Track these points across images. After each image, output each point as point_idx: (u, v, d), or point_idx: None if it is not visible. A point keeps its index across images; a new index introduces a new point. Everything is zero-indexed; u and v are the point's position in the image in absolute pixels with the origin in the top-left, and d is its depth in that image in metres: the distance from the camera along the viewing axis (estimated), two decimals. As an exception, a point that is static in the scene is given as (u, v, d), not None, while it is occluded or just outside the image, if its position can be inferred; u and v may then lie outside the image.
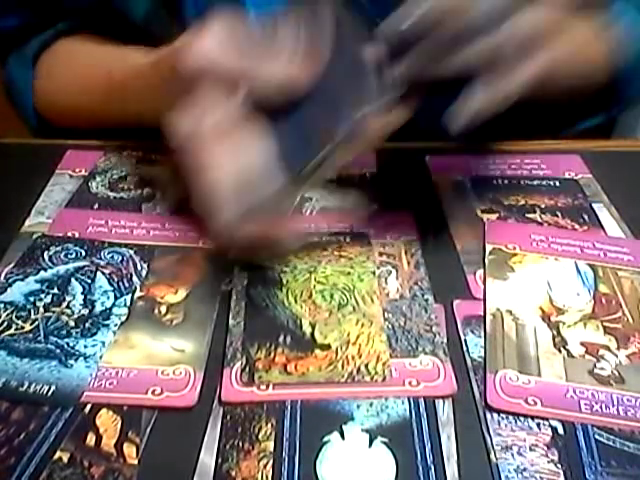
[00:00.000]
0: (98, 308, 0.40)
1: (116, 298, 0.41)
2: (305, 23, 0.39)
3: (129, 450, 0.32)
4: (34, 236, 0.45)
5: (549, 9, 0.39)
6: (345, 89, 0.39)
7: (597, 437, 0.33)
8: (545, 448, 0.33)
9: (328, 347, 0.37)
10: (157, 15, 0.45)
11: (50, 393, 0.35)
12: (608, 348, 0.38)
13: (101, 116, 0.55)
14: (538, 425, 0.34)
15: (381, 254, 0.44)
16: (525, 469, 0.32)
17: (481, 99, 0.38)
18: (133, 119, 0.51)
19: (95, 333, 0.38)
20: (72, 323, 0.39)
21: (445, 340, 0.38)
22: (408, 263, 0.43)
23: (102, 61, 0.54)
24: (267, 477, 0.31)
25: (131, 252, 0.44)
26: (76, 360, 0.36)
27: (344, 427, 0.33)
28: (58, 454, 0.32)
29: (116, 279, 0.42)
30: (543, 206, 0.49)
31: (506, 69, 0.38)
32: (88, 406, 0.34)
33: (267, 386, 0.35)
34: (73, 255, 0.44)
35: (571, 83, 0.51)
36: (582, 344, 0.38)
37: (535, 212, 0.48)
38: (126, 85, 0.49)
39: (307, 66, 0.39)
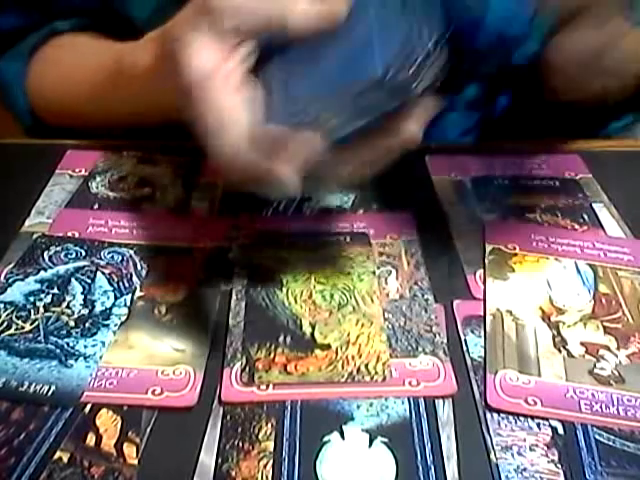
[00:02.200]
0: (98, 308, 0.40)
1: (116, 298, 0.41)
2: None
3: (129, 450, 0.32)
4: (34, 236, 0.45)
5: None
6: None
7: (597, 437, 0.33)
8: (545, 448, 0.33)
9: (328, 347, 0.37)
10: (165, 13, 0.44)
11: (50, 393, 0.35)
12: (608, 348, 0.38)
13: (95, 110, 0.54)
14: (538, 425, 0.34)
15: (381, 254, 0.44)
16: (525, 469, 0.32)
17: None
18: (126, 109, 0.50)
19: (95, 333, 0.38)
20: (72, 323, 0.39)
21: (445, 340, 0.38)
22: (408, 263, 0.43)
23: (95, 53, 0.53)
24: (267, 477, 0.31)
25: (131, 252, 0.44)
26: (76, 360, 0.36)
27: (344, 427, 0.33)
28: (58, 454, 0.32)
29: (116, 279, 0.42)
30: (543, 206, 0.49)
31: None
32: (88, 406, 0.34)
33: (267, 386, 0.35)
34: (73, 255, 0.44)
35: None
36: (582, 344, 0.38)
37: (535, 212, 0.48)
38: (118, 69, 0.48)
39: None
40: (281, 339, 0.38)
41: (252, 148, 0.33)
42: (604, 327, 0.39)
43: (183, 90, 0.35)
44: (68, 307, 0.40)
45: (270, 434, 0.33)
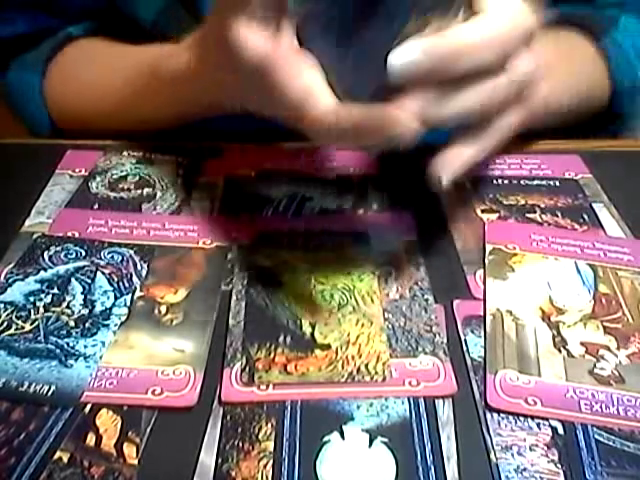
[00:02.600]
0: (98, 308, 0.40)
1: (116, 298, 0.41)
2: None
3: (129, 450, 0.32)
4: (34, 236, 0.45)
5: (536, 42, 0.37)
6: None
7: (597, 437, 0.33)
8: (545, 448, 0.33)
9: (328, 347, 0.37)
10: (171, 13, 0.44)
11: (50, 393, 0.35)
12: (608, 348, 0.38)
13: (127, 115, 0.54)
14: (538, 425, 0.34)
15: (381, 254, 0.44)
16: (525, 469, 0.32)
17: (466, 156, 0.37)
18: (164, 114, 0.50)
19: (95, 333, 0.38)
20: (72, 323, 0.39)
21: (445, 340, 0.38)
22: (408, 263, 0.43)
23: (126, 56, 0.53)
24: (267, 477, 0.31)
25: (131, 252, 0.44)
26: (76, 360, 0.36)
27: (344, 427, 0.33)
28: (58, 454, 0.32)
29: (116, 279, 0.42)
30: (543, 206, 0.49)
31: (495, 119, 0.36)
32: (88, 406, 0.34)
33: (267, 386, 0.35)
34: (73, 255, 0.44)
35: (563, 114, 0.52)
36: (582, 344, 0.38)
37: (535, 212, 0.48)
38: (155, 75, 0.48)
39: None
40: (281, 339, 0.38)
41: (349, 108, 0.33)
42: (604, 327, 0.39)
43: (248, 75, 0.35)
44: (68, 307, 0.40)
45: (270, 434, 0.33)
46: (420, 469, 0.32)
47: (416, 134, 0.32)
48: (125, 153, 0.54)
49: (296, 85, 0.34)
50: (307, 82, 0.34)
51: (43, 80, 0.59)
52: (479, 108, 0.35)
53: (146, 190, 0.50)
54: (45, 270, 0.42)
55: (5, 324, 0.38)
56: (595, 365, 0.36)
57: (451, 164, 0.37)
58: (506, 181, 0.52)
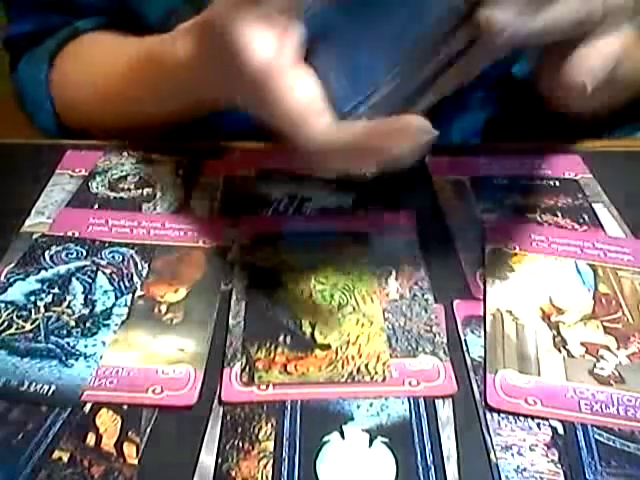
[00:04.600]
0: (99, 308, 0.40)
1: (117, 298, 0.41)
2: None
3: (129, 450, 0.32)
4: (34, 236, 0.45)
5: None
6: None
7: (597, 437, 0.33)
8: (545, 448, 0.33)
9: (328, 347, 0.37)
10: (179, 12, 0.43)
11: (50, 393, 0.35)
12: (608, 348, 0.38)
13: (126, 105, 0.53)
14: (538, 425, 0.34)
15: (381, 254, 0.44)
16: (525, 469, 0.32)
17: (605, 52, 0.32)
18: (163, 106, 0.49)
19: (95, 333, 0.38)
20: (73, 323, 0.39)
21: (445, 340, 0.38)
22: (408, 263, 0.43)
23: (124, 52, 0.52)
24: (267, 477, 0.31)
25: (131, 252, 0.44)
26: (76, 360, 0.36)
27: (344, 427, 0.33)
28: (58, 454, 0.32)
29: (117, 279, 0.42)
30: (543, 206, 0.49)
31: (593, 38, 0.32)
32: (88, 406, 0.34)
33: (267, 386, 0.35)
34: (74, 255, 0.44)
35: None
36: (582, 344, 0.38)
37: (535, 212, 0.48)
38: (154, 65, 0.47)
39: None
40: (281, 339, 0.38)
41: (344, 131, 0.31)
42: (604, 327, 0.39)
43: (248, 83, 0.33)
44: (69, 307, 0.40)
45: (270, 434, 0.33)
46: (420, 469, 0.32)
47: (423, 148, 0.31)
48: (125, 153, 0.54)
49: (292, 101, 0.32)
50: (305, 98, 0.32)
51: (49, 71, 0.58)
52: (569, 23, 0.31)
53: (146, 190, 0.50)
54: (46, 270, 0.42)
55: (6, 324, 0.38)
56: (595, 365, 0.36)
57: (593, 65, 0.33)
58: (506, 181, 0.52)
